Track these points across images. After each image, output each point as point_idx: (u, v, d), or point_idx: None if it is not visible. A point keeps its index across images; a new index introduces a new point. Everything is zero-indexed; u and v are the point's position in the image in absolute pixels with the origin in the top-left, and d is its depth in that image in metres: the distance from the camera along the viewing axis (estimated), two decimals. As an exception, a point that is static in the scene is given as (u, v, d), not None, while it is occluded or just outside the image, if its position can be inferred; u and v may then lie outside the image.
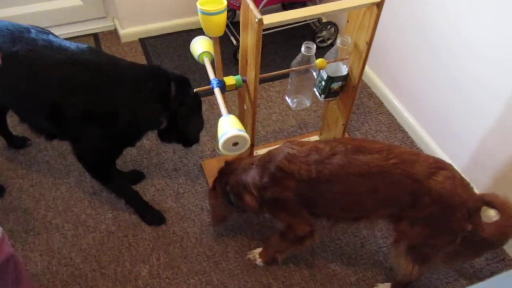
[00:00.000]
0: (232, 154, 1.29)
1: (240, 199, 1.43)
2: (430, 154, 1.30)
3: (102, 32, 2.53)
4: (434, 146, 1.96)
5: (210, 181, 1.84)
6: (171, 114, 1.53)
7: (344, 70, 1.58)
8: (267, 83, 2.30)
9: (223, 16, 1.27)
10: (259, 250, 1.62)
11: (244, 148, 1.27)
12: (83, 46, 1.45)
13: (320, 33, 2.45)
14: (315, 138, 1.98)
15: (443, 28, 1.74)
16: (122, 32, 2.46)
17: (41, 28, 1.48)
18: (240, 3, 2.27)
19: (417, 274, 1.37)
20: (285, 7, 2.67)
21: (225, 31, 2.53)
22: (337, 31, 2.47)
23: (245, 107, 1.57)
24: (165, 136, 1.65)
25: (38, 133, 1.62)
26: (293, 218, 1.41)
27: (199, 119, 1.67)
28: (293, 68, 1.51)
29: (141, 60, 2.39)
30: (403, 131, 2.12)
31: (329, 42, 2.51)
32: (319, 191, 1.30)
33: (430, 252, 1.34)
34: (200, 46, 1.53)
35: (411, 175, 1.23)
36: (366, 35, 1.42)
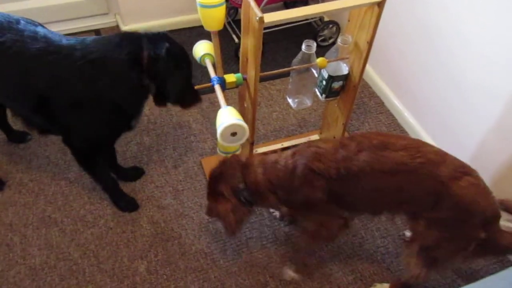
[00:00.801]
0: (231, 145, 1.29)
1: (263, 198, 1.37)
2: (456, 157, 1.28)
3: (104, 28, 2.53)
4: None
5: (210, 178, 1.85)
6: (151, 75, 1.40)
7: (344, 69, 1.57)
8: (267, 82, 2.30)
9: (222, 10, 1.27)
10: (288, 269, 1.59)
11: (243, 138, 1.27)
12: (71, 38, 1.42)
13: (322, 32, 2.45)
14: (315, 137, 1.98)
15: (444, 28, 1.74)
16: (124, 28, 2.46)
17: (32, 20, 1.48)
18: (241, 1, 2.27)
19: (424, 277, 1.36)
20: (287, 6, 2.67)
21: (226, 29, 2.55)
22: (338, 30, 2.47)
23: (245, 105, 1.57)
24: (158, 100, 1.55)
25: (30, 127, 1.60)
26: (325, 217, 1.39)
27: (183, 72, 1.46)
28: (294, 67, 1.51)
29: (143, 56, 2.39)
30: (403, 131, 2.12)
31: (330, 41, 2.50)
32: (347, 187, 1.29)
33: (441, 257, 1.34)
34: (202, 49, 1.55)
35: (436, 176, 1.21)
36: (367, 35, 1.42)
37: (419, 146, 1.27)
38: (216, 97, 1.41)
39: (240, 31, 2.46)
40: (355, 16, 1.46)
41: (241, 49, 1.45)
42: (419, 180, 1.23)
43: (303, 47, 1.46)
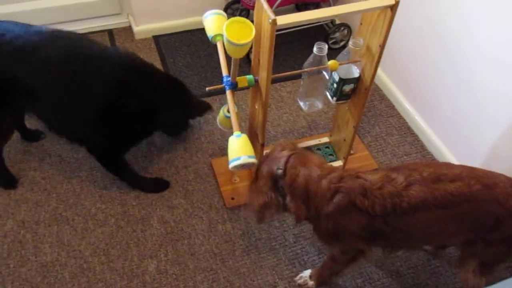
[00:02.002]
0: (237, 170, 1.32)
1: (294, 199, 1.28)
2: (501, 173, 1.26)
3: (117, 28, 2.56)
4: (445, 151, 1.95)
5: (220, 179, 1.86)
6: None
7: (356, 72, 1.57)
8: (278, 83, 2.30)
9: (249, 45, 1.26)
10: (308, 272, 1.57)
11: (251, 167, 1.30)
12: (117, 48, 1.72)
13: (333, 34, 2.45)
14: (325, 139, 1.98)
15: (457, 33, 1.73)
16: (136, 29, 2.48)
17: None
18: (253, 3, 2.28)
19: (484, 283, 1.36)
20: (299, 8, 2.67)
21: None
22: (350, 32, 2.47)
23: (256, 107, 1.58)
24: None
25: (72, 142, 1.74)
26: (348, 247, 1.35)
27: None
28: (305, 69, 1.51)
29: (154, 57, 2.41)
30: (413, 134, 2.11)
31: (341, 43, 2.50)
32: (394, 225, 1.22)
33: (497, 265, 1.36)
34: (214, 26, 1.44)
35: (494, 199, 1.19)
36: (379, 38, 1.42)
37: (471, 172, 1.23)
38: (226, 98, 1.41)
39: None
40: (368, 19, 1.45)
41: (253, 51, 1.46)
42: (479, 207, 1.20)
43: (315, 49, 1.46)
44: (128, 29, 2.56)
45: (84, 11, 2.43)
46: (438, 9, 1.80)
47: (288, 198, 1.28)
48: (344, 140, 1.83)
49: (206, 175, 1.89)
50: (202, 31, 2.55)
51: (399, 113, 2.20)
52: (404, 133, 2.11)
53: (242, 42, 1.24)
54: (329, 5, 2.41)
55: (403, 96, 2.18)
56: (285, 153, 1.30)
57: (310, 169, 1.26)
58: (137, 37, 2.51)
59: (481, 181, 1.20)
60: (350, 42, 1.50)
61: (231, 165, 1.27)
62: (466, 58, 1.72)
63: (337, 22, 2.48)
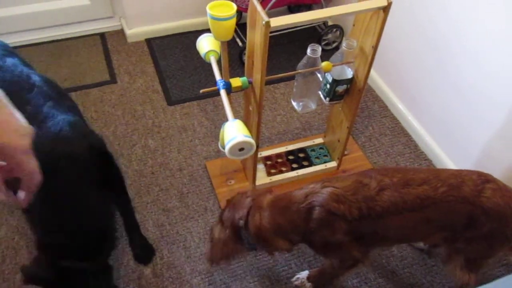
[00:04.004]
0: (237, 158, 1.29)
1: (267, 244, 1.29)
2: (469, 169, 1.30)
3: (109, 32, 2.55)
4: (438, 151, 1.97)
5: (215, 181, 1.86)
6: None
7: (349, 73, 1.58)
8: (272, 85, 2.31)
9: (232, 22, 1.28)
10: (305, 273, 1.57)
11: (249, 153, 1.27)
12: None
13: (326, 35, 2.46)
14: (319, 140, 1.99)
15: (446, 34, 1.75)
16: (128, 32, 2.48)
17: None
18: (246, 5, 2.28)
19: (474, 281, 1.38)
20: (292, 10, 2.68)
21: (231, 33, 2.55)
22: (342, 34, 2.48)
23: (251, 109, 1.58)
24: None
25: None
26: (343, 254, 1.35)
27: None
28: (299, 71, 1.52)
29: (147, 60, 2.40)
30: (407, 135, 2.12)
31: (334, 45, 2.51)
32: (370, 227, 1.25)
33: (485, 260, 1.38)
34: (206, 44, 1.51)
35: (462, 199, 1.22)
36: (372, 39, 1.43)
37: (438, 175, 1.26)
38: (220, 100, 1.42)
39: (244, 34, 2.48)
40: (360, 20, 1.46)
41: (246, 53, 1.46)
42: (448, 208, 1.23)
43: (308, 51, 1.47)
44: (121, 32, 2.55)
45: (76, 14, 2.42)
46: (429, 11, 1.81)
47: (263, 245, 1.31)
48: (339, 141, 1.84)
49: (201, 177, 1.89)
50: (195, 33, 2.56)
51: (392, 114, 2.21)
52: (398, 134, 2.13)
53: (225, 14, 1.25)
54: (321, 7, 2.42)
55: (396, 97, 2.20)
56: (246, 204, 1.30)
57: (272, 209, 1.28)
58: (129, 40, 2.50)
59: (447, 182, 1.24)
60: (343, 44, 1.51)
61: (227, 147, 1.22)
62: (456, 60, 1.74)
63: (330, 23, 2.49)
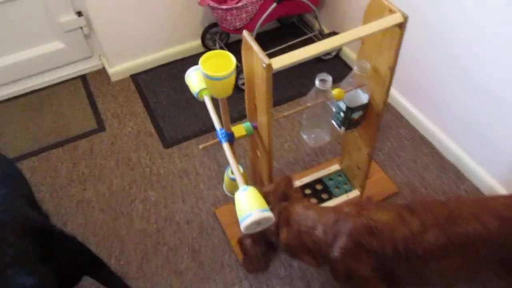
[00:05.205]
0: (254, 231, 1.10)
1: (296, 258, 1.22)
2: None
3: (90, 72, 2.35)
4: (466, 158, 1.78)
5: (228, 231, 1.68)
6: None
7: (364, 98, 1.39)
8: (274, 108, 2.11)
9: (232, 78, 1.06)
10: None
11: (267, 224, 1.08)
12: None
13: (323, 45, 2.26)
14: (335, 167, 1.80)
15: (458, 31, 1.56)
16: (111, 70, 2.28)
17: None
18: (234, 27, 2.09)
19: None
20: (281, 22, 2.49)
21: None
22: (341, 41, 2.28)
23: (258, 154, 1.39)
24: None
25: None
26: None
27: None
28: (308, 105, 1.33)
29: (135, 99, 2.21)
30: (428, 143, 1.93)
31: (333, 53, 2.32)
32: (406, 268, 1.10)
33: None
34: (197, 80, 1.26)
35: None
36: (388, 59, 1.24)
37: (486, 206, 1.10)
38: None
39: (233, 54, 2.29)
40: (371, 38, 1.27)
41: (246, 95, 1.27)
42: (503, 243, 1.08)
43: (317, 83, 1.28)
44: (103, 72, 2.35)
45: (52, 60, 2.22)
46: (441, 11, 1.62)
47: (293, 257, 1.22)
48: (358, 167, 1.65)
49: (212, 228, 1.70)
50: (181, 62, 2.36)
51: (408, 122, 2.02)
52: (418, 144, 1.94)
53: (223, 74, 1.03)
54: (315, 15, 2.23)
55: (409, 103, 2.01)
56: (276, 216, 1.15)
57: (299, 226, 1.16)
58: (113, 79, 2.31)
59: (499, 215, 1.07)
60: (355, 67, 1.31)
61: (243, 226, 1.06)
62: (471, 56, 1.56)
63: (326, 31, 2.29)
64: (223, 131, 1.24)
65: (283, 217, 1.19)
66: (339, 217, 1.13)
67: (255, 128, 1.29)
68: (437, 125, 1.90)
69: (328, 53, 2.31)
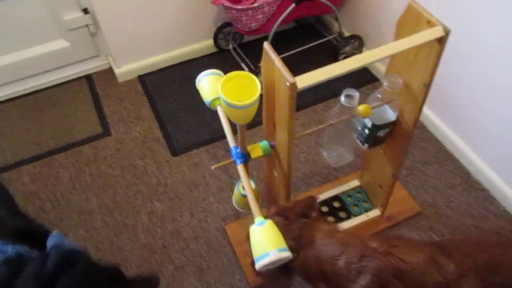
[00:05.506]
0: (268, 269, 0.99)
1: (311, 283, 1.13)
2: None
3: (96, 72, 2.24)
4: (495, 178, 1.65)
5: (238, 250, 1.57)
6: None
7: (392, 115, 1.27)
8: (288, 115, 1.99)
9: (256, 105, 0.94)
10: None
11: (284, 261, 0.97)
12: None
13: (343, 48, 2.14)
14: (355, 182, 1.68)
15: (496, 49, 1.43)
16: (118, 71, 2.17)
17: None
18: (248, 28, 1.97)
19: None
20: (298, 22, 2.36)
21: (232, 56, 2.24)
22: (362, 44, 2.15)
23: (275, 174, 1.27)
24: None
25: None
26: None
27: None
28: (331, 122, 1.20)
29: (142, 102, 2.09)
30: (454, 159, 1.80)
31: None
32: None
33: None
34: (209, 88, 1.14)
35: None
36: (423, 75, 1.12)
37: None
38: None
39: (248, 58, 2.17)
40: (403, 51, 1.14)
41: (264, 112, 1.15)
42: None
43: (342, 99, 1.15)
44: (109, 72, 2.24)
45: (56, 59, 2.11)
46: (476, 25, 1.49)
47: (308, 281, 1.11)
48: (381, 186, 1.52)
49: (221, 245, 1.59)
50: (192, 62, 2.24)
51: (434, 136, 1.89)
52: (444, 160, 1.81)
53: (245, 102, 0.91)
54: (335, 16, 2.10)
55: (435, 115, 1.87)
56: (294, 233, 1.06)
57: (320, 252, 1.05)
58: (120, 79, 2.19)
59: None
60: (385, 83, 1.19)
61: (258, 265, 0.95)
62: (506, 73, 1.43)
63: (346, 34, 2.16)
64: (238, 150, 1.12)
65: (304, 237, 1.08)
66: (366, 252, 1.02)
67: (272, 147, 1.17)
68: (464, 139, 1.77)
69: (347, 57, 2.17)
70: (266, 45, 0.98)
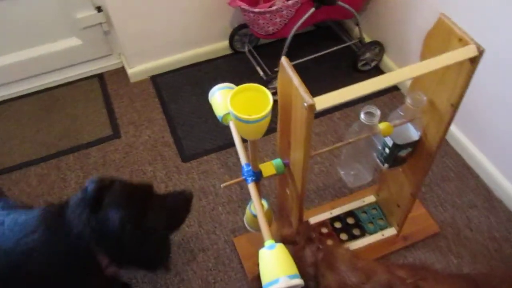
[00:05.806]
0: None
1: None
2: None
3: (108, 71, 2.19)
4: (522, 200, 1.57)
5: (246, 265, 1.51)
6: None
7: (414, 134, 1.19)
8: (303, 123, 1.92)
9: (267, 120, 0.88)
10: None
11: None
12: None
13: (363, 55, 2.06)
14: (371, 198, 1.61)
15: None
16: (130, 71, 2.12)
17: None
18: (265, 32, 1.90)
19: None
20: (318, 25, 2.29)
21: (247, 58, 2.17)
22: (383, 51, 2.07)
23: (288, 192, 1.21)
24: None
25: None
26: None
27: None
28: (350, 140, 1.14)
29: (154, 104, 2.04)
30: (474, 175, 1.72)
31: (373, 64, 2.11)
32: None
33: None
34: (221, 102, 1.09)
35: None
36: (451, 94, 1.04)
37: None
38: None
39: (264, 61, 2.10)
40: (431, 69, 1.07)
41: (278, 129, 1.09)
42: None
43: (362, 116, 1.08)
44: (122, 71, 2.19)
45: (68, 57, 2.07)
46: (505, 40, 1.40)
47: None
48: (398, 206, 1.45)
49: (229, 259, 1.54)
50: (206, 64, 2.18)
51: (454, 150, 1.80)
52: (464, 176, 1.72)
53: (255, 116, 0.86)
54: (356, 21, 2.02)
55: (457, 128, 1.79)
56: (312, 260, 1.00)
57: (342, 272, 0.98)
58: (132, 80, 2.14)
59: None
60: (408, 100, 1.11)
61: None
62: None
63: (367, 40, 2.07)
64: (250, 168, 1.06)
65: (324, 261, 1.02)
66: (393, 281, 0.95)
67: (286, 165, 1.11)
68: (487, 155, 1.68)
69: (367, 63, 2.10)
70: (284, 61, 0.91)
